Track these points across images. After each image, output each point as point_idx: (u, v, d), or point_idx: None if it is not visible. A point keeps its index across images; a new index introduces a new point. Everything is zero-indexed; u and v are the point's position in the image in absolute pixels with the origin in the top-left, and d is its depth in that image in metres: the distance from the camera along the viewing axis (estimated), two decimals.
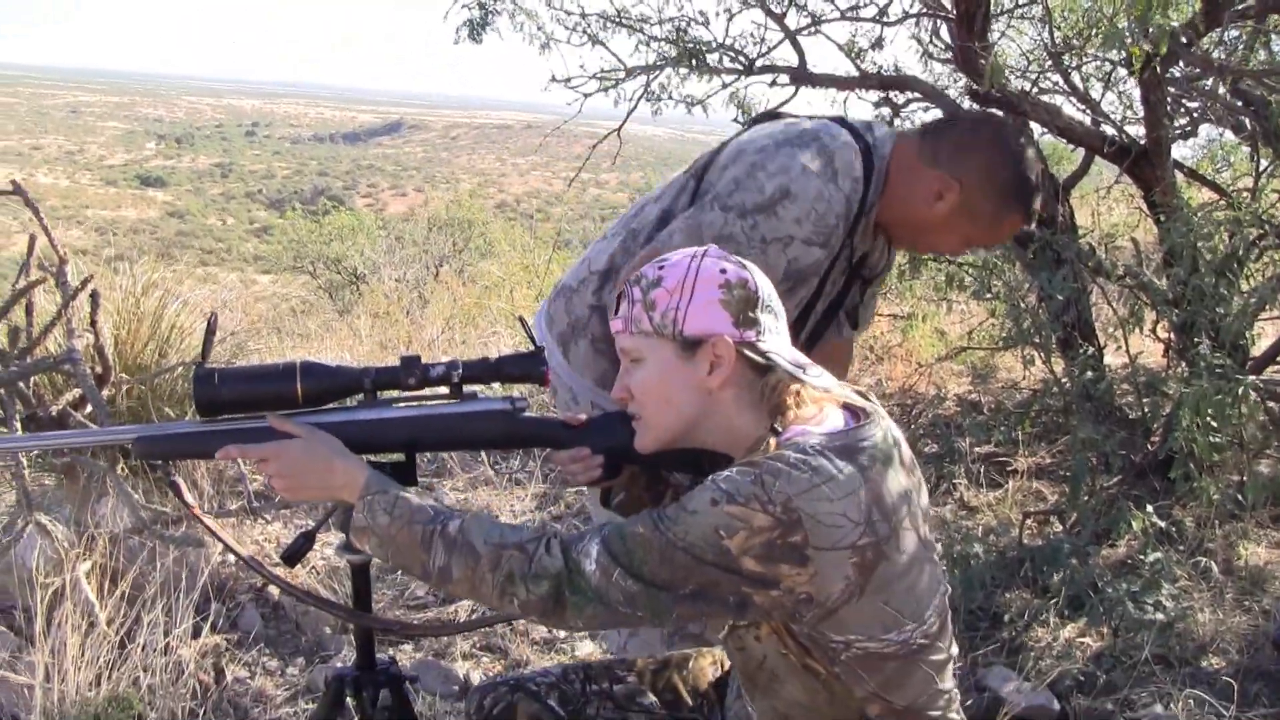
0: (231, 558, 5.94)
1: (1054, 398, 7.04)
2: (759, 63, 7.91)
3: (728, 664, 3.13)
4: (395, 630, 5.31)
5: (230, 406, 2.87)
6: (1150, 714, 4.60)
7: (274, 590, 5.87)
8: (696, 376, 2.67)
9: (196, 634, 5.04)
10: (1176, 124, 7.92)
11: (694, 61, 7.82)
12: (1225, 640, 5.20)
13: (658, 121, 9.03)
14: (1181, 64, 6.79)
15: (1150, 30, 5.12)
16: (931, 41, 8.47)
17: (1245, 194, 7.34)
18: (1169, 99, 7.09)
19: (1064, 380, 6.64)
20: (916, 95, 7.95)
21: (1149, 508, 5.46)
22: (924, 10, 7.97)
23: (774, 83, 7.97)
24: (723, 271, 2.68)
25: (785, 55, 7.97)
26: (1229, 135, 8.29)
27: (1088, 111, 7.72)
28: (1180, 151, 8.34)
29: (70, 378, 5.52)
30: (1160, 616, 5.03)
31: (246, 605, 5.76)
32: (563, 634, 5.61)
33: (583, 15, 8.19)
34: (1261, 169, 7.45)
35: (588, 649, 5.53)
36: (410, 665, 5.22)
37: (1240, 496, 5.83)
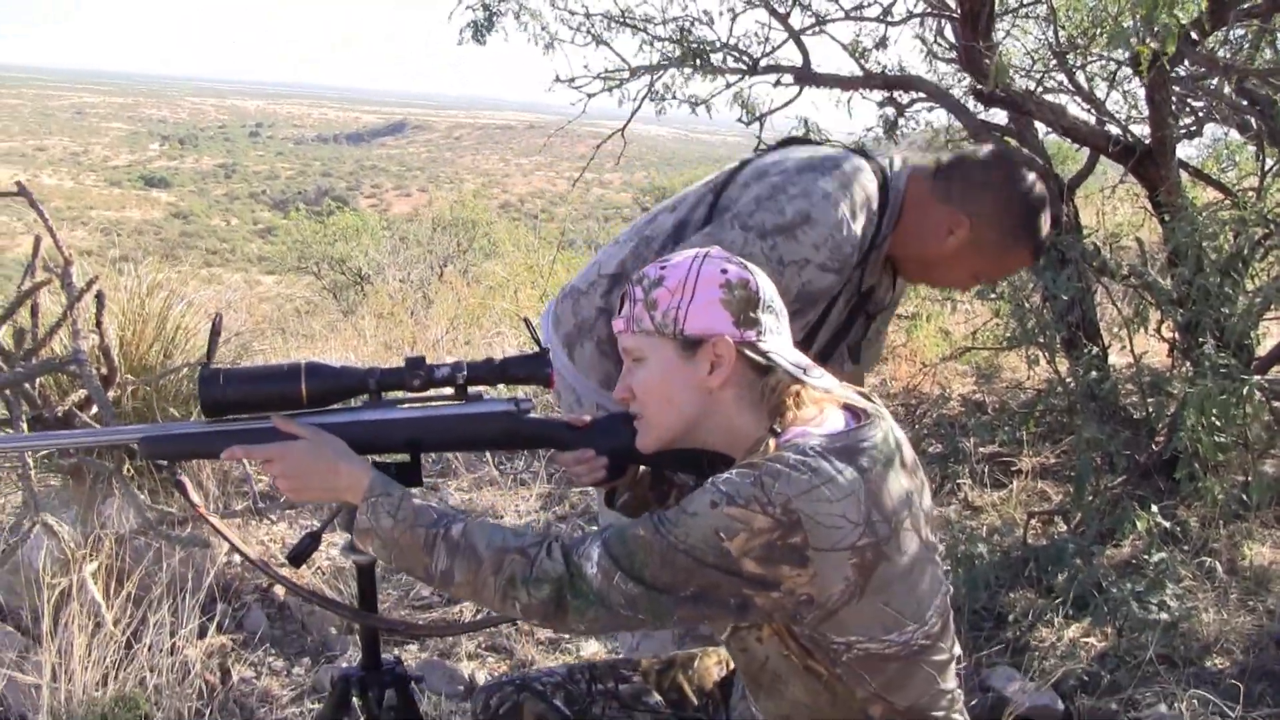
0: (237, 558, 5.95)
1: (1058, 398, 7.03)
2: (763, 63, 7.91)
3: (733, 663, 3.14)
4: (400, 630, 5.31)
5: (235, 407, 2.87)
6: (1154, 714, 4.60)
7: (279, 591, 5.87)
8: (697, 376, 2.67)
9: (202, 634, 5.06)
10: (1182, 123, 7.93)
11: (698, 61, 7.82)
12: (1229, 640, 5.20)
13: (661, 121, 9.01)
14: (1187, 63, 6.79)
15: (1156, 29, 5.12)
16: (936, 41, 8.47)
17: (1250, 193, 7.35)
18: (1174, 98, 7.10)
19: (1068, 380, 6.64)
20: (921, 95, 7.95)
21: (1153, 508, 5.46)
22: (928, 10, 7.97)
23: (778, 83, 7.97)
24: (724, 272, 2.69)
25: (789, 55, 7.97)
26: (1234, 134, 8.30)
27: (1092, 111, 7.74)
28: (1185, 151, 8.35)
29: (76, 379, 5.53)
30: (1164, 616, 5.03)
31: (252, 606, 5.77)
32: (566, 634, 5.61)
33: (587, 15, 8.19)
34: (1267, 168, 7.45)
35: (593, 649, 5.53)
36: (415, 665, 5.22)
37: (1245, 496, 5.82)
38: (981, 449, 7.49)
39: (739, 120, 8.21)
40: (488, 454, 7.87)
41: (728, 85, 8.12)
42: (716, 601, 2.46)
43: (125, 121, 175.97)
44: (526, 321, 3.22)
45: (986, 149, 4.13)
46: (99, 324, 5.29)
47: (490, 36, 8.35)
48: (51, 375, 5.85)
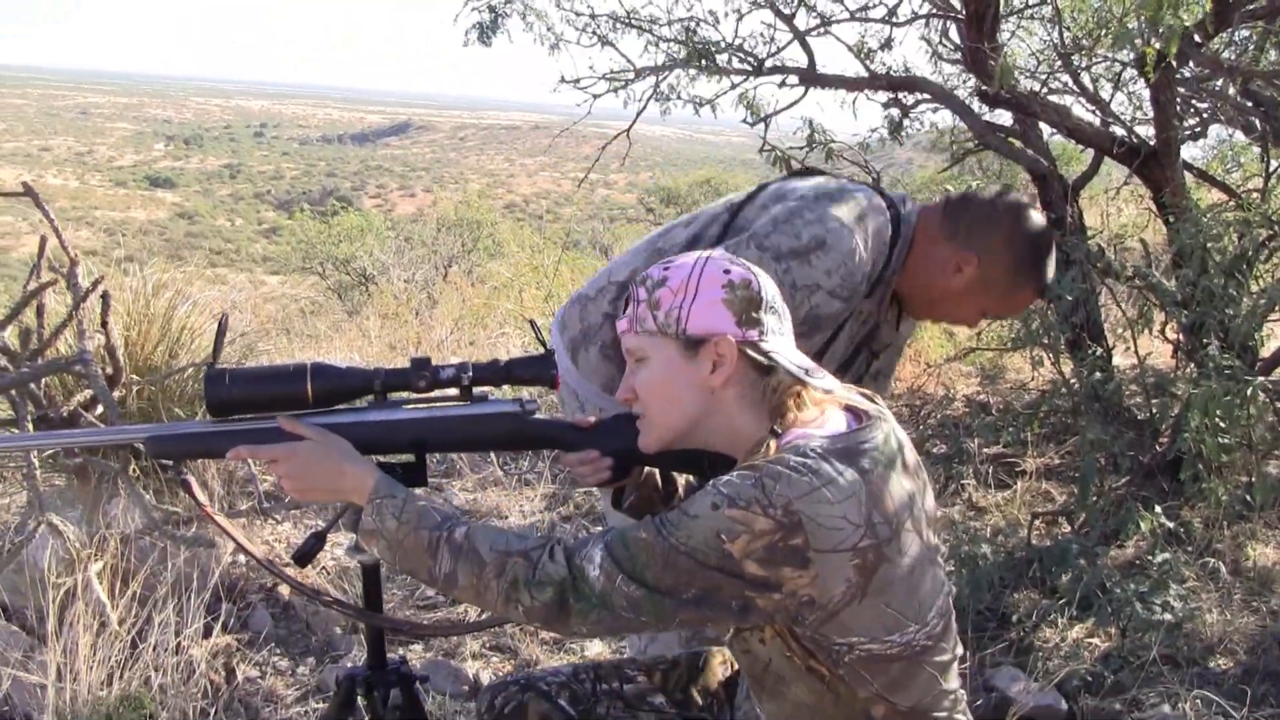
0: (242, 558, 5.96)
1: (1062, 399, 7.03)
2: (768, 63, 7.92)
3: (737, 664, 3.14)
4: (405, 630, 5.32)
5: (241, 407, 2.88)
6: (1158, 714, 4.60)
7: (284, 590, 5.88)
8: (699, 375, 2.67)
9: (207, 634, 5.05)
10: (1186, 124, 7.94)
11: (703, 62, 7.83)
12: (1233, 641, 5.20)
13: (666, 122, 9.03)
14: (1192, 65, 6.80)
15: (1161, 30, 5.13)
16: (941, 42, 8.49)
17: (1255, 195, 7.35)
18: (1179, 100, 7.10)
19: (1073, 381, 6.64)
20: (926, 96, 7.96)
21: (1157, 508, 5.47)
22: (933, 11, 7.98)
23: (783, 83, 7.98)
24: (726, 272, 2.70)
25: (794, 56, 7.98)
26: (1239, 136, 8.30)
27: (1097, 112, 7.74)
28: (1190, 152, 8.36)
29: (81, 379, 5.54)
30: (1168, 617, 5.03)
31: (257, 605, 5.78)
32: None
33: (592, 16, 8.20)
34: (1271, 170, 7.45)
35: (597, 649, 5.54)
36: (420, 665, 5.22)
37: (1249, 497, 5.82)
38: (986, 450, 7.50)
39: (744, 121, 8.23)
40: (493, 454, 7.88)
41: (733, 86, 8.13)
42: (718, 603, 2.46)
43: (130, 122, 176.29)
44: (532, 323, 3.23)
45: (995, 189, 4.18)
46: (104, 324, 5.30)
47: (495, 38, 8.37)
48: (57, 375, 5.86)
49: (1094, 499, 5.89)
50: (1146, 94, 6.93)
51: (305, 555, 2.88)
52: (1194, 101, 8.08)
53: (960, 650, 2.74)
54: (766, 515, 2.37)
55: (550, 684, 3.15)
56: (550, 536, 2.64)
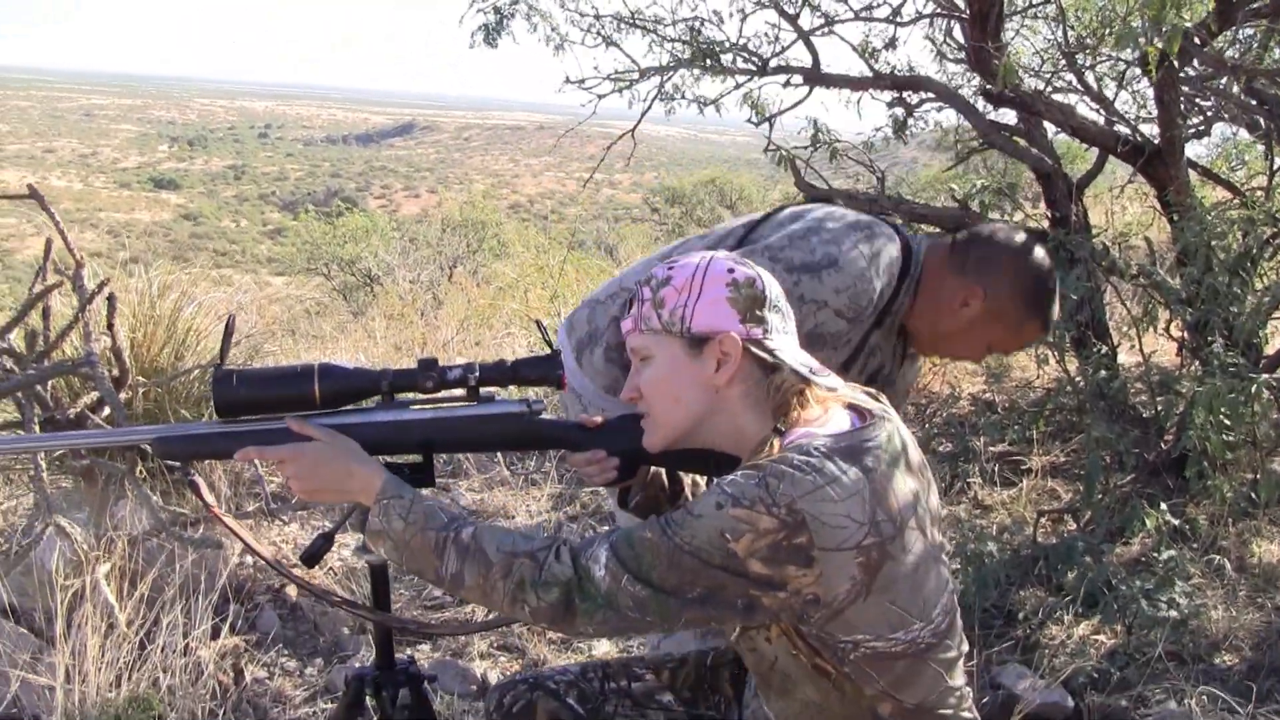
0: (250, 559, 5.96)
1: (1068, 396, 7.03)
2: (772, 63, 7.92)
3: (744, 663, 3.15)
4: (413, 630, 5.33)
5: (248, 408, 2.89)
6: (1163, 710, 4.60)
7: (292, 591, 5.89)
8: (704, 374, 2.69)
9: (215, 635, 5.06)
10: (1190, 123, 7.93)
11: (707, 62, 7.83)
12: (1238, 637, 5.21)
13: (670, 122, 9.04)
14: (1196, 63, 6.80)
15: (1164, 30, 5.13)
16: (945, 42, 8.49)
17: (1259, 193, 7.35)
18: (1183, 98, 7.10)
19: (1078, 379, 6.64)
20: (930, 95, 7.96)
21: (1163, 506, 5.47)
22: (937, 10, 7.98)
23: (788, 83, 7.98)
24: (730, 271, 2.72)
25: (799, 55, 7.98)
26: (1243, 134, 8.30)
27: (1101, 111, 7.74)
28: (1194, 150, 8.36)
29: (88, 381, 5.55)
30: (1174, 614, 5.03)
31: (265, 606, 5.78)
32: None
33: (597, 16, 8.20)
34: (1276, 167, 7.45)
35: (605, 648, 5.54)
36: (428, 665, 5.23)
37: (1253, 494, 5.83)
38: (991, 448, 7.50)
39: (748, 121, 8.23)
40: (499, 455, 7.89)
41: (737, 86, 8.13)
42: (723, 603, 2.47)
43: (134, 123, 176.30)
44: (538, 323, 3.24)
45: (1003, 225, 4.24)
46: (110, 326, 5.30)
47: (501, 39, 8.37)
48: (63, 378, 5.86)
49: (1099, 496, 5.89)
50: (1151, 93, 6.92)
51: (313, 556, 2.89)
52: (1198, 100, 8.08)
53: (966, 647, 2.75)
54: (770, 514, 2.38)
55: (558, 682, 3.16)
56: (556, 537, 2.65)
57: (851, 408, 2.71)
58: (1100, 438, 5.91)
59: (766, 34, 7.91)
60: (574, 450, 3.06)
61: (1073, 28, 7.60)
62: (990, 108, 7.48)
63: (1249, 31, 7.26)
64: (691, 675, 3.26)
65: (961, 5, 7.33)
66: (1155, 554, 5.41)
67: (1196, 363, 6.38)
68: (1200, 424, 5.24)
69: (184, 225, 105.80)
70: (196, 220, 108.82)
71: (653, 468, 3.13)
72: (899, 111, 8.22)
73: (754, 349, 2.68)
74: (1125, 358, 7.49)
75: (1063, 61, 8.10)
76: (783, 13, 7.75)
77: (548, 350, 2.98)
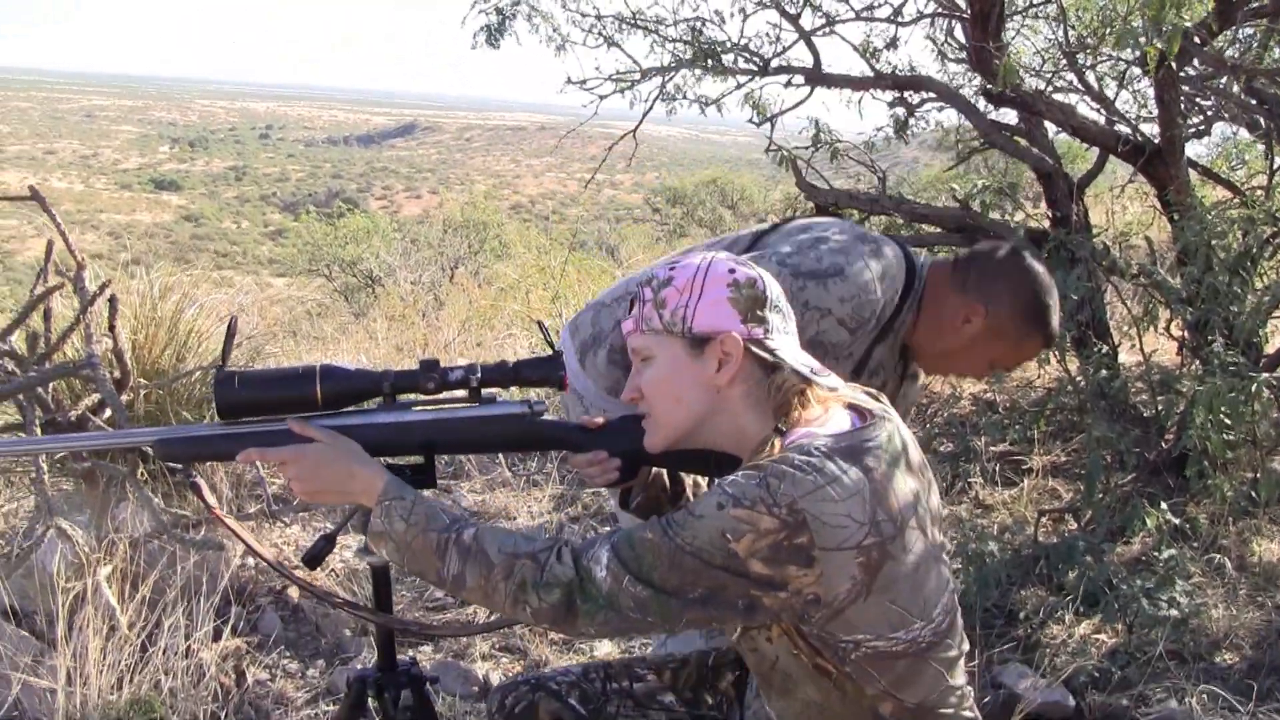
0: (251, 561, 5.96)
1: (1069, 396, 7.04)
2: (774, 63, 7.93)
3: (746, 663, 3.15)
4: (415, 631, 5.33)
5: (250, 409, 2.89)
6: (1164, 709, 4.61)
7: (294, 593, 5.89)
8: (705, 374, 2.70)
9: (217, 637, 5.06)
10: (1191, 122, 7.94)
11: (709, 62, 7.84)
12: (1239, 636, 5.21)
13: (672, 122, 9.05)
14: (1196, 63, 6.81)
15: (1163, 30, 5.14)
16: (946, 41, 8.50)
17: (1259, 192, 7.36)
18: (1183, 98, 7.11)
19: (1079, 379, 6.65)
20: (931, 95, 7.97)
21: (1163, 505, 5.48)
22: (938, 10, 7.99)
23: (789, 83, 7.99)
24: (731, 271, 2.73)
25: (800, 56, 8.00)
26: (1243, 133, 8.31)
27: (1102, 110, 7.75)
28: (1194, 150, 8.37)
29: (89, 383, 5.54)
30: (1174, 613, 5.04)
31: (266, 608, 5.78)
32: None
33: (598, 17, 8.21)
34: (1276, 167, 7.47)
35: (606, 649, 5.55)
36: (430, 666, 5.23)
37: (1254, 493, 5.84)
38: (992, 448, 7.50)
39: (750, 121, 8.24)
40: (501, 456, 7.89)
41: (739, 86, 8.14)
42: (724, 603, 2.47)
43: (135, 124, 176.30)
44: (540, 324, 3.24)
45: (1003, 244, 4.28)
46: (112, 328, 5.30)
47: (503, 40, 8.39)
48: (64, 379, 5.86)
49: (1100, 496, 5.90)
50: (1151, 92, 6.93)
51: (315, 557, 2.89)
52: (1198, 99, 8.09)
53: (966, 647, 2.75)
54: (771, 514, 2.38)
55: (560, 683, 3.17)
56: (558, 538, 2.65)
57: (852, 408, 2.71)
58: (1101, 437, 5.92)
59: (768, 34, 7.94)
60: (575, 451, 3.06)
61: (1073, 27, 7.60)
62: (991, 107, 7.50)
63: (1249, 31, 7.26)
64: (693, 675, 3.27)
65: (962, 5, 7.34)
66: (1156, 553, 5.41)
67: (1197, 362, 6.38)
68: (1201, 423, 5.25)
69: (185, 227, 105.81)
70: (198, 221, 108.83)
71: (654, 469, 3.14)
72: (900, 111, 8.23)
73: (755, 349, 2.68)
74: (1126, 357, 7.50)
75: (1063, 61, 8.11)
76: (784, 13, 7.76)
77: (549, 351, 2.99)
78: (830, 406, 2.69)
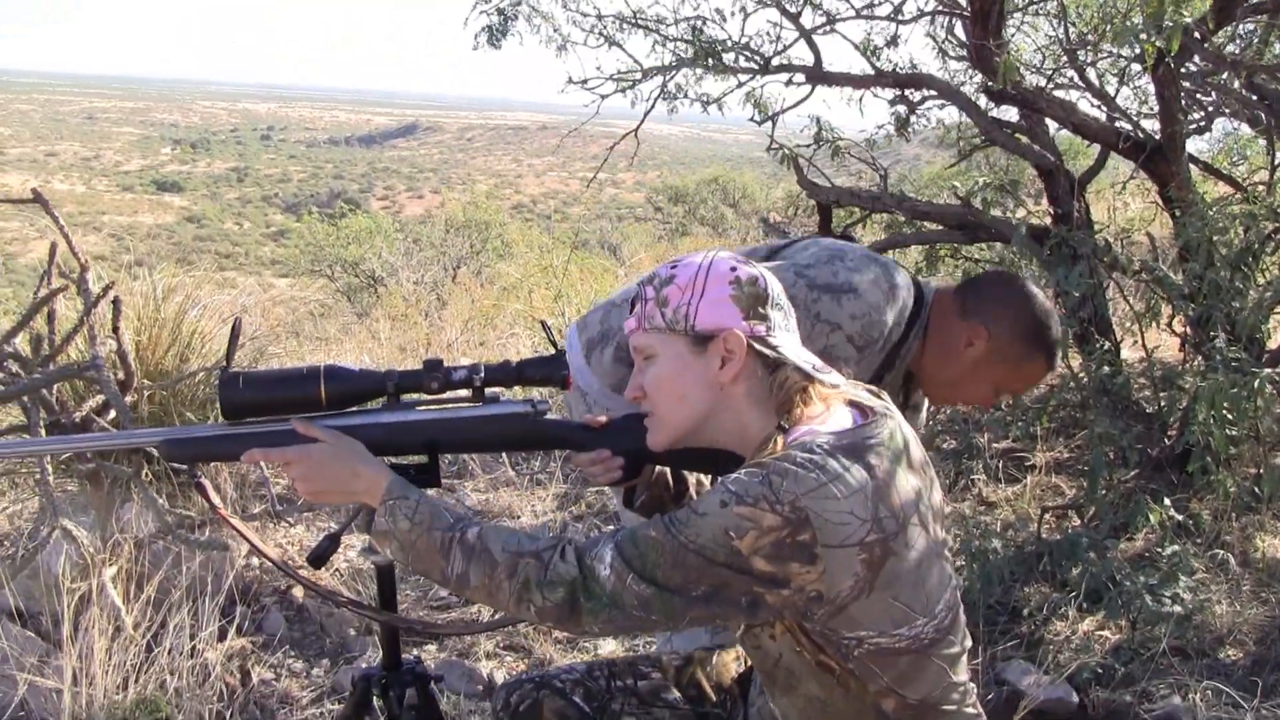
0: (256, 561, 5.98)
1: (1071, 393, 7.04)
2: (775, 61, 7.94)
3: (750, 660, 3.16)
4: (420, 630, 5.34)
5: (255, 410, 2.89)
6: (1168, 705, 4.61)
7: (298, 592, 5.90)
8: (709, 372, 2.70)
9: (222, 637, 5.07)
10: (1192, 118, 7.95)
11: (710, 61, 7.85)
12: (1242, 632, 5.22)
13: (673, 120, 9.06)
14: (1196, 59, 6.81)
15: (1162, 27, 5.14)
16: (947, 39, 8.51)
17: (1261, 187, 7.36)
18: (1184, 94, 7.12)
19: (1081, 375, 6.65)
20: (932, 93, 7.98)
21: (1166, 501, 5.47)
22: (939, 8, 7.99)
23: (790, 81, 8.00)
24: (733, 269, 2.73)
25: (801, 54, 8.01)
26: (1245, 129, 8.32)
27: (1103, 107, 7.75)
28: (1196, 146, 8.38)
29: (93, 384, 5.55)
30: (1178, 609, 5.04)
31: (271, 608, 5.79)
32: None
33: (599, 17, 8.22)
34: (1277, 162, 7.46)
35: (610, 647, 5.55)
36: (435, 665, 5.23)
37: (1257, 489, 5.84)
38: (995, 444, 7.50)
39: (751, 119, 8.25)
40: (504, 455, 7.90)
41: (740, 84, 8.15)
42: (728, 600, 2.47)
43: (136, 126, 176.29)
44: (543, 324, 3.24)
45: (1003, 272, 4.35)
46: (115, 329, 5.31)
47: (504, 40, 8.39)
48: (69, 381, 5.87)
49: (1103, 492, 5.90)
50: (1152, 89, 6.94)
51: (320, 557, 2.90)
52: (1199, 95, 8.10)
53: (969, 643, 2.75)
54: (774, 512, 2.39)
55: (565, 681, 3.17)
56: (561, 537, 2.65)
57: (853, 405, 2.71)
58: (1104, 433, 5.92)
59: (768, 33, 7.95)
60: (579, 450, 3.06)
61: (1074, 24, 7.61)
62: (992, 105, 7.51)
63: (1249, 27, 7.27)
64: (697, 673, 3.27)
65: (963, 3, 7.34)
66: (1159, 549, 5.42)
67: (1199, 358, 6.39)
68: (1203, 419, 5.26)
69: (187, 228, 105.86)
70: (200, 223, 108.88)
71: (657, 467, 3.14)
72: (901, 109, 8.24)
73: (758, 345, 2.68)
74: (1128, 353, 7.50)
75: (1064, 58, 8.11)
76: (784, 11, 7.77)
77: (552, 350, 2.99)
78: (832, 403, 2.69)
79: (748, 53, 7.95)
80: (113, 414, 5.34)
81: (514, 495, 7.49)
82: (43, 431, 5.11)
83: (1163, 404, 6.40)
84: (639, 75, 8.30)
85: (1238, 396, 5.18)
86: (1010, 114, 7.78)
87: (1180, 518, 5.64)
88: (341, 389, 2.86)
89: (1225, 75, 7.18)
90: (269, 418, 2.90)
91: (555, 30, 8.28)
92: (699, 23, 8.00)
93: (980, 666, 4.86)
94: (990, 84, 6.74)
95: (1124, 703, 4.72)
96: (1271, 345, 6.55)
